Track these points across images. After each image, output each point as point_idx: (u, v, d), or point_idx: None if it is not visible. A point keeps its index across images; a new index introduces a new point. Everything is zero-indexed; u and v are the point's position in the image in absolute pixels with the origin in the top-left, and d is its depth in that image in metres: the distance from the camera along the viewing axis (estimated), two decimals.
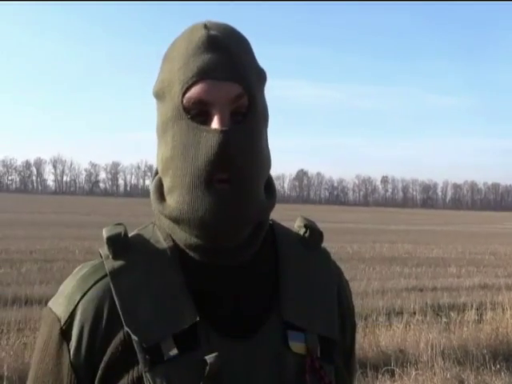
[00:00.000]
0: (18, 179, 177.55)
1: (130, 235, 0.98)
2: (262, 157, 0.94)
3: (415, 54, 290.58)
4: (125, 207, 68.03)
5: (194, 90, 0.90)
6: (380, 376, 6.09)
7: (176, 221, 0.93)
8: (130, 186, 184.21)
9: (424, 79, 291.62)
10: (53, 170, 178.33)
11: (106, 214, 47.57)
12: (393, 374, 6.22)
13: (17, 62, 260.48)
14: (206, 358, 0.87)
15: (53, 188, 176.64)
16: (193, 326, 0.89)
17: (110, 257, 0.94)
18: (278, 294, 0.96)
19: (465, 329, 7.79)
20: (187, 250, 0.94)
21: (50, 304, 0.97)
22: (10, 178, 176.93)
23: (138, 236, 0.98)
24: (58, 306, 0.95)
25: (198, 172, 0.89)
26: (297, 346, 0.93)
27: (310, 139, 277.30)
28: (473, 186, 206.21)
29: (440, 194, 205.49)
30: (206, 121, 0.91)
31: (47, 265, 13.73)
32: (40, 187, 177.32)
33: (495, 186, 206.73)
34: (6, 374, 5.20)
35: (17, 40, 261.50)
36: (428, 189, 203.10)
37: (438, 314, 9.08)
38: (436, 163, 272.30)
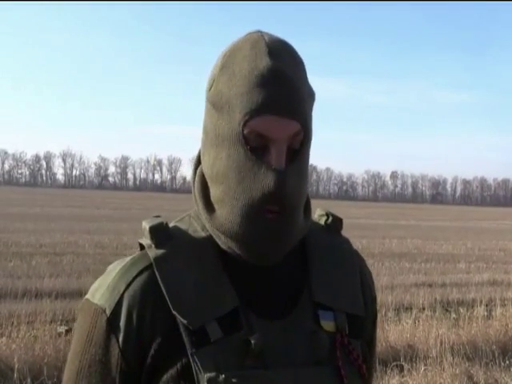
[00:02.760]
0: (27, 173, 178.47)
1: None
2: (306, 187, 1.00)
3: (427, 48, 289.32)
4: (134, 201, 68.25)
5: (257, 123, 0.93)
6: (389, 371, 6.09)
7: (224, 233, 0.97)
8: (140, 180, 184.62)
9: (435, 74, 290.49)
10: (62, 164, 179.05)
11: (116, 208, 47.74)
12: (402, 369, 6.22)
13: (26, 56, 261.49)
14: (250, 338, 0.92)
15: (62, 182, 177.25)
16: (234, 310, 0.94)
17: (153, 246, 0.98)
18: (307, 278, 1.03)
19: (474, 325, 7.77)
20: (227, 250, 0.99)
21: (88, 297, 0.99)
22: (19, 171, 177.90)
23: (177, 227, 1.02)
24: (101, 297, 0.97)
25: (252, 202, 0.93)
26: (327, 324, 1.00)
27: (319, 134, 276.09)
28: (482, 182, 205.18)
29: (449, 189, 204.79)
30: (264, 154, 0.94)
31: (57, 258, 13.78)
32: (49, 181, 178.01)
33: (505, 182, 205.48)
34: (16, 365, 5.24)
35: (26, 31, 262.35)
36: (437, 184, 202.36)
37: (447, 310, 9.08)
38: (446, 159, 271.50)
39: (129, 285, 0.96)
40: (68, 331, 6.50)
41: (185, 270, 0.96)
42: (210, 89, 1.00)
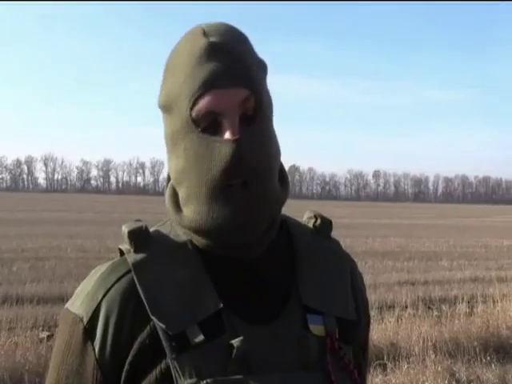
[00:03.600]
0: (8, 178, 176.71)
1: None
2: (273, 150, 0.97)
3: (410, 47, 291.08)
4: (117, 204, 67.87)
5: (202, 103, 0.92)
6: (372, 370, 6.10)
7: (195, 230, 0.96)
8: (122, 183, 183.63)
9: (418, 74, 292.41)
10: (44, 168, 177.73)
11: (99, 212, 47.45)
12: (385, 368, 6.26)
13: (5, 59, 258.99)
14: (232, 342, 0.89)
15: (44, 186, 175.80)
16: (217, 313, 0.92)
17: (132, 251, 0.96)
18: (295, 281, 1.00)
19: (456, 322, 7.82)
20: (205, 249, 0.97)
21: (67, 306, 0.98)
22: (0, 176, 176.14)
23: (158, 232, 1.00)
24: (79, 305, 0.95)
25: (214, 182, 0.91)
26: (316, 328, 0.96)
27: (302, 134, 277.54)
28: (464, 180, 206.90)
29: (431, 187, 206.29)
30: (217, 131, 0.93)
31: (39, 263, 13.65)
32: (31, 185, 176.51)
33: (486, 180, 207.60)
34: None
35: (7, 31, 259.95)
36: (419, 183, 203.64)
37: (429, 308, 9.13)
38: (427, 157, 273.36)
39: (107, 292, 0.94)
40: (50, 337, 6.44)
41: (165, 274, 0.94)
42: (159, 96, 1.00)
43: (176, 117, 0.95)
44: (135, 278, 0.93)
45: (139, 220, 1.00)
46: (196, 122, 0.93)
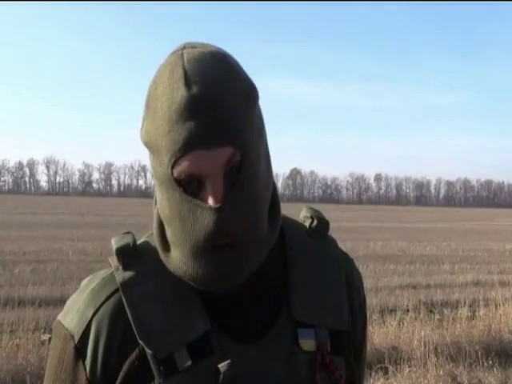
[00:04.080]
0: (10, 180, 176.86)
1: (139, 242, 0.98)
2: (261, 205, 0.92)
3: (411, 50, 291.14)
4: (118, 207, 67.87)
5: (184, 164, 0.86)
6: (373, 373, 6.11)
7: (180, 276, 0.93)
8: (124, 186, 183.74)
9: (419, 76, 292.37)
10: (46, 171, 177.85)
11: (100, 215, 47.45)
12: (386, 372, 6.24)
13: (7, 62, 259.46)
14: (219, 366, 0.89)
15: (46, 189, 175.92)
16: (205, 334, 0.91)
17: (120, 268, 0.95)
18: (287, 292, 0.98)
19: (458, 325, 7.81)
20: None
21: (60, 318, 0.98)
22: (2, 179, 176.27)
23: (147, 244, 0.99)
24: (70, 321, 0.95)
25: (197, 243, 0.88)
26: (307, 343, 0.95)
27: (304, 137, 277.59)
28: (466, 183, 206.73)
29: (433, 191, 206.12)
30: (200, 191, 0.88)
31: (40, 266, 13.66)
32: (33, 188, 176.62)
33: (488, 183, 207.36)
34: None
35: (8, 31, 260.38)
36: (421, 186, 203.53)
37: (431, 311, 9.12)
38: (429, 160, 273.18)
39: (97, 310, 0.93)
40: (51, 339, 6.43)
41: (153, 294, 0.93)
42: (141, 128, 0.94)
43: (157, 163, 0.90)
44: (123, 298, 0.93)
45: (129, 232, 0.99)
46: (177, 180, 0.88)
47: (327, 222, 1.08)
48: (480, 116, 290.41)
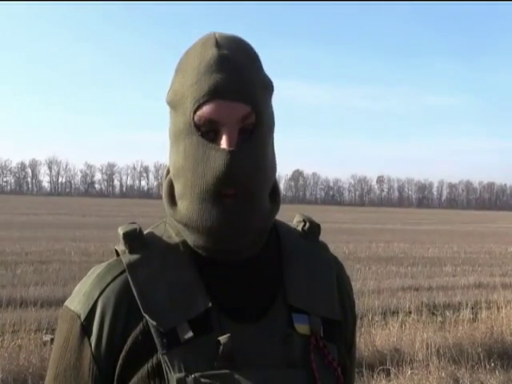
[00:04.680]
0: (12, 181, 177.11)
1: (144, 232, 1.04)
2: (266, 170, 1.00)
3: (412, 53, 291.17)
4: (121, 208, 67.91)
5: (205, 109, 0.96)
6: (376, 375, 6.11)
7: (186, 225, 1.01)
8: (126, 187, 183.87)
9: (421, 79, 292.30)
10: (48, 172, 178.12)
11: (102, 216, 47.49)
12: (388, 374, 6.24)
13: (9, 63, 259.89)
14: (220, 338, 0.93)
15: (48, 189, 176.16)
16: (206, 312, 0.96)
17: (127, 252, 1.00)
18: (282, 282, 1.04)
19: (460, 328, 7.81)
20: (196, 249, 1.01)
21: (66, 303, 1.03)
22: (4, 179, 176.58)
23: (152, 233, 1.05)
24: (77, 303, 1.00)
25: (207, 187, 0.96)
26: (301, 327, 1.00)
27: (306, 139, 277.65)
28: (468, 186, 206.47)
29: (435, 193, 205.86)
30: (216, 138, 0.97)
31: (42, 266, 13.69)
32: (35, 188, 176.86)
33: (490, 186, 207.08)
34: (0, 376, 5.20)
35: (12, 35, 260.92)
36: (423, 188, 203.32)
37: (433, 313, 9.11)
38: (431, 163, 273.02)
39: (103, 291, 0.99)
40: (53, 340, 6.42)
41: (158, 274, 0.99)
42: (168, 91, 1.04)
43: (180, 116, 1.00)
44: (129, 277, 0.98)
45: (134, 222, 1.05)
46: (197, 126, 0.97)
47: (318, 226, 1.15)
48: (482, 118, 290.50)
